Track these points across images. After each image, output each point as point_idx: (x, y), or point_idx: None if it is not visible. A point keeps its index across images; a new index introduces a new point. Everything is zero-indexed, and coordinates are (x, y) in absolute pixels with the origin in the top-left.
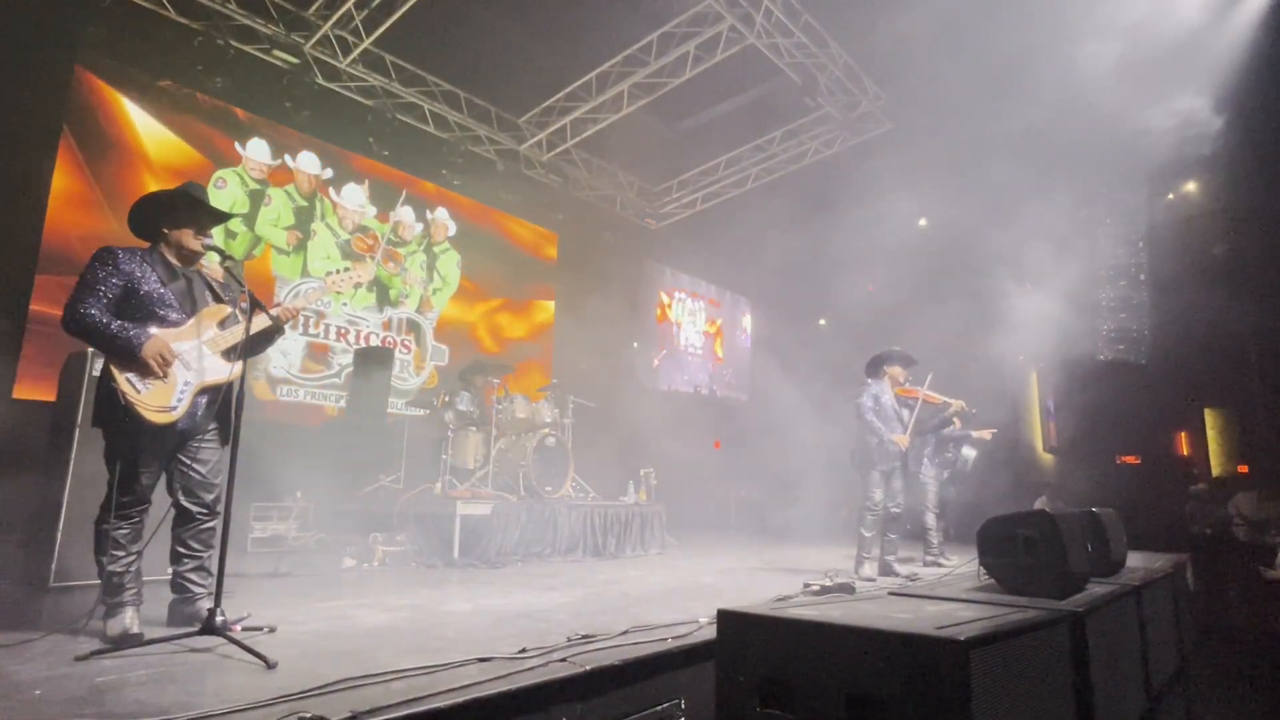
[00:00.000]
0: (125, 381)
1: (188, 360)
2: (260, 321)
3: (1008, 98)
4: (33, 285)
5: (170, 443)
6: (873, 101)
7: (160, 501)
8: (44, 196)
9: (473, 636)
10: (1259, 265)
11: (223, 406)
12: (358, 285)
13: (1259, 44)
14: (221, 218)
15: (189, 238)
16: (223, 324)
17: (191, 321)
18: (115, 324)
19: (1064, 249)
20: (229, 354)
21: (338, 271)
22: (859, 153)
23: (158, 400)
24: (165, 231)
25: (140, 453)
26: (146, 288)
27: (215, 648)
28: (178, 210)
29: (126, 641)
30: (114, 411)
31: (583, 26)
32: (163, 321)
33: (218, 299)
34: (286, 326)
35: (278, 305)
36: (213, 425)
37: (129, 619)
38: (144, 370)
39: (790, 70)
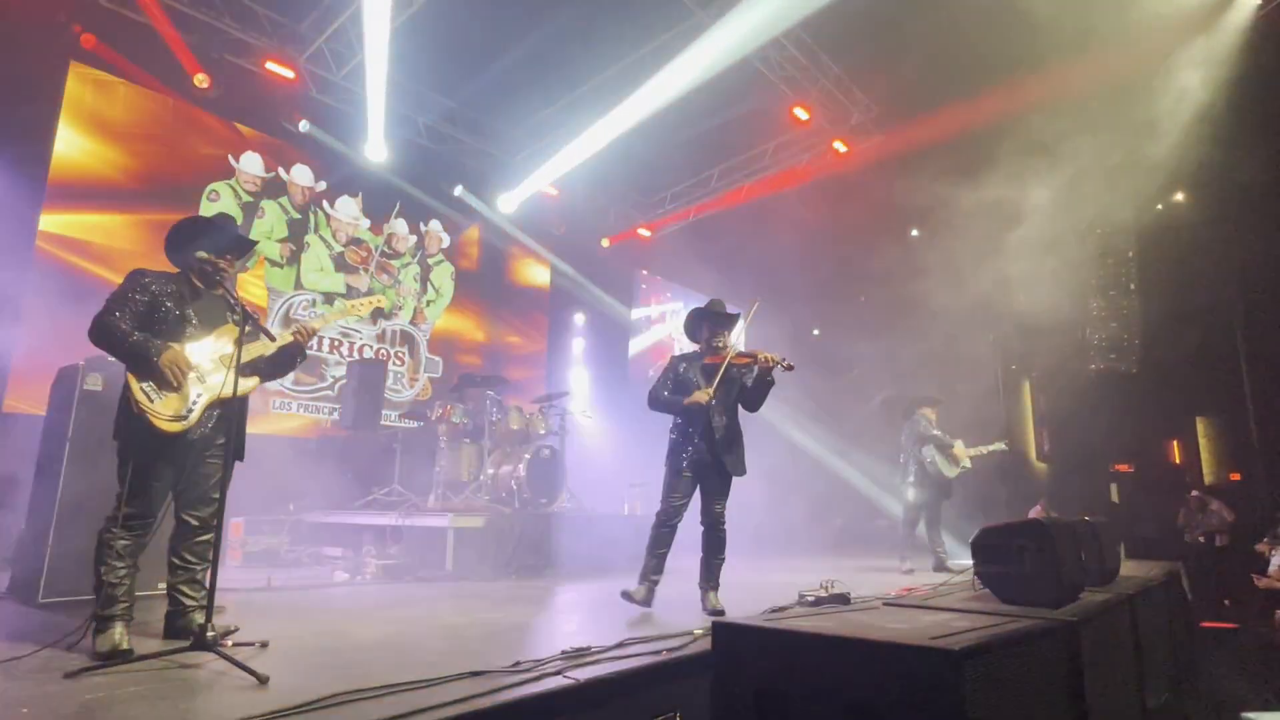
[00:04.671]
0: (140, 391)
1: (201, 373)
2: (267, 342)
3: (998, 104)
4: (23, 296)
5: (183, 456)
6: (864, 113)
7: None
8: (36, 210)
9: (466, 650)
10: (1248, 273)
11: (232, 420)
12: (376, 309)
13: (1249, 50)
14: (245, 246)
15: (207, 261)
16: (236, 341)
17: (209, 338)
18: (137, 334)
19: (1055, 257)
20: (239, 370)
21: (362, 294)
22: (851, 164)
23: (170, 409)
24: (191, 256)
25: (152, 464)
26: (169, 305)
27: (206, 663)
28: (201, 237)
29: (115, 657)
30: (128, 421)
31: (575, 40)
32: (181, 337)
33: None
34: (304, 347)
35: (296, 323)
36: (220, 440)
37: (118, 634)
38: (160, 379)
39: (782, 83)
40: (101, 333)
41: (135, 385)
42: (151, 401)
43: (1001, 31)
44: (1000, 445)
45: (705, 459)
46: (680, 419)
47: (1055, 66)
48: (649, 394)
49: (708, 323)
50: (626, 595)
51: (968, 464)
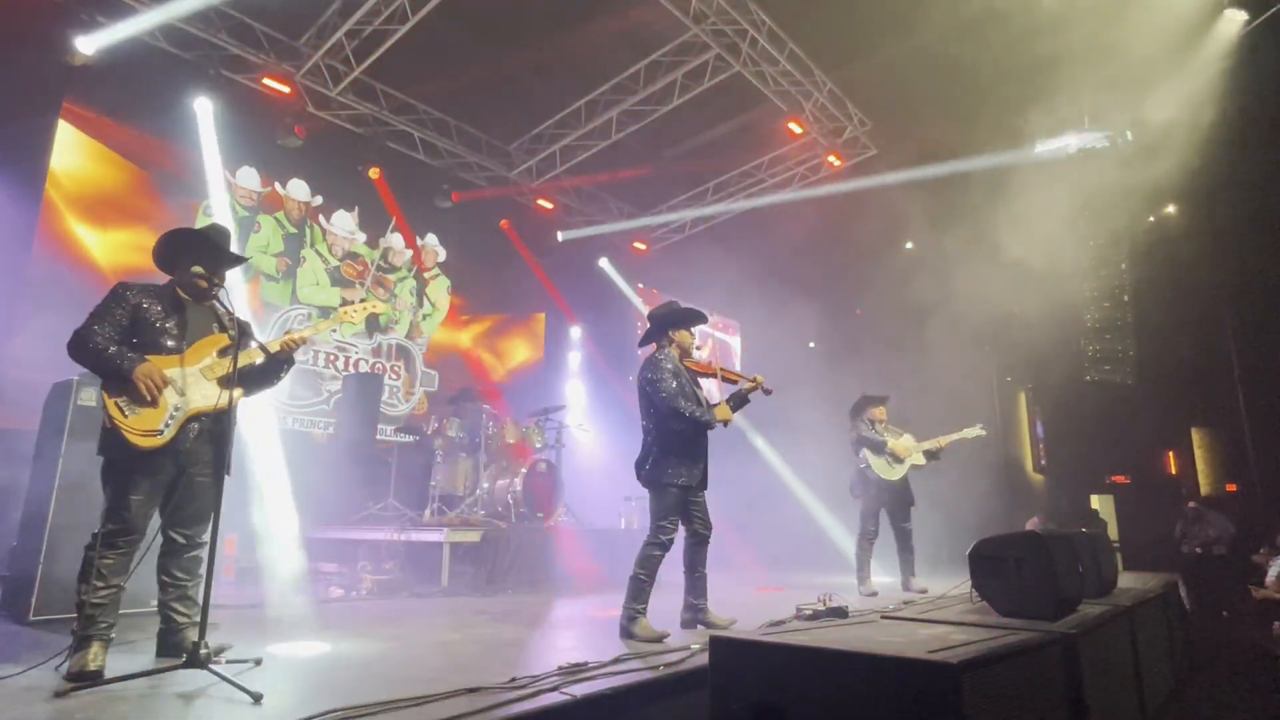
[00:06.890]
0: (114, 405)
1: (180, 386)
2: (256, 350)
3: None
4: (17, 311)
5: (166, 472)
6: (858, 128)
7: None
8: (32, 220)
9: (462, 666)
10: (1241, 284)
11: (219, 435)
12: (371, 315)
13: (1239, 63)
14: (234, 260)
15: (200, 275)
16: (222, 352)
17: (190, 349)
18: (112, 348)
19: (1050, 270)
20: (225, 381)
21: (353, 303)
22: (845, 178)
23: (144, 424)
24: (180, 267)
25: (132, 480)
26: (151, 318)
27: (199, 681)
28: (192, 249)
29: (83, 679)
30: (106, 436)
31: (571, 55)
32: (161, 350)
33: (224, 331)
34: (294, 356)
35: (285, 335)
36: (209, 455)
37: (90, 656)
38: (134, 394)
39: (776, 98)
40: (76, 346)
41: (109, 400)
42: (125, 416)
43: (994, 47)
44: (976, 431)
45: (700, 480)
46: (688, 437)
47: (1046, 82)
48: (674, 410)
49: (689, 325)
50: (633, 635)
51: (919, 459)
